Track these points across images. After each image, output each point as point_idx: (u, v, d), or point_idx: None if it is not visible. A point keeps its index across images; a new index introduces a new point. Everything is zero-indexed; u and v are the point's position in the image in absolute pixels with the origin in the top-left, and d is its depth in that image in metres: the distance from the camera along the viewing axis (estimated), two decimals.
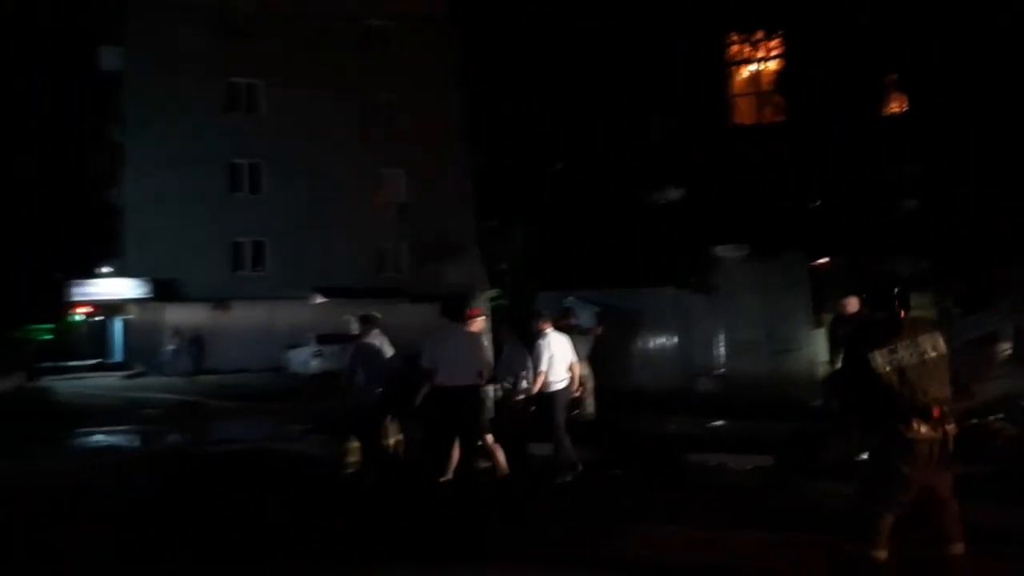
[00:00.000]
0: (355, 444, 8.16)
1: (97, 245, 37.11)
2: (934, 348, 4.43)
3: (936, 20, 14.45)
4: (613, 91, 22.44)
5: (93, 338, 33.23)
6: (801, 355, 12.40)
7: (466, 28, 30.59)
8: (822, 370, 10.74)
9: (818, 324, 11.95)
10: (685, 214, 20.92)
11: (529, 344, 8.27)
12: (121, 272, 29.57)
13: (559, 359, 8.07)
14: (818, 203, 16.54)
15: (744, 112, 20.52)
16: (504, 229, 31.00)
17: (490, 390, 8.23)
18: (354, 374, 8.00)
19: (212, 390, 19.69)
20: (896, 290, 4.55)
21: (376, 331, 8.19)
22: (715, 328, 13.81)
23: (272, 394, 16.11)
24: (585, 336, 11.45)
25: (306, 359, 23.12)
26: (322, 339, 22.38)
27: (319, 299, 26.84)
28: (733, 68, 21.36)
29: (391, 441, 8.14)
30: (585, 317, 12.61)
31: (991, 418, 8.41)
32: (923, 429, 4.28)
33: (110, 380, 24.60)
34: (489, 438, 7.79)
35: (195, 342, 25.42)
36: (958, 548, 4.37)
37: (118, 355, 32.61)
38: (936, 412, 4.30)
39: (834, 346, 8.61)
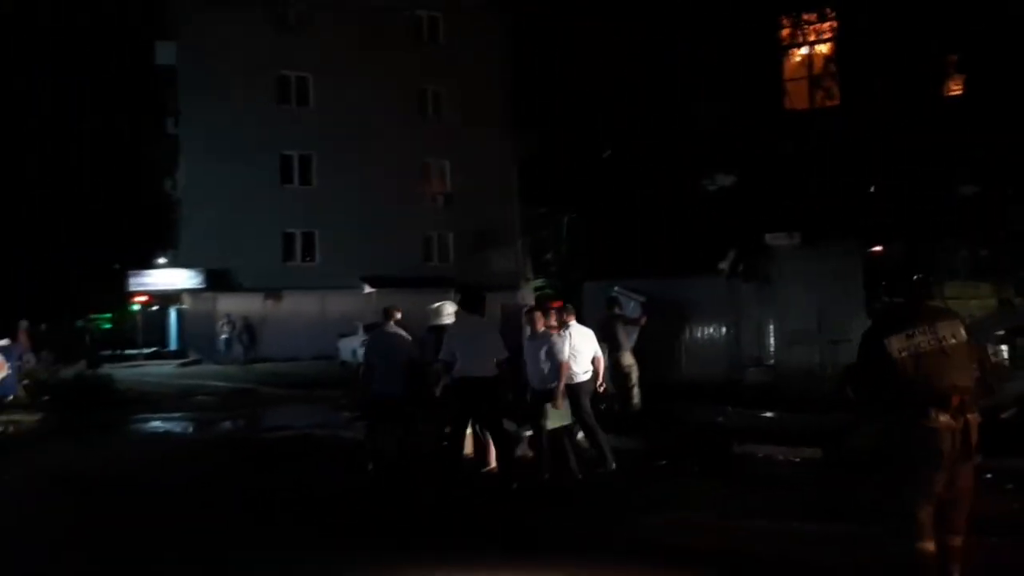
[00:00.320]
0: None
1: (154, 236, 38.19)
2: (954, 336, 4.30)
3: None
4: (662, 78, 22.14)
5: (150, 327, 34.23)
6: (854, 346, 12.07)
7: (514, 17, 30.50)
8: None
9: (872, 314, 11.65)
10: (735, 201, 20.57)
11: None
12: (176, 263, 30.34)
13: (582, 351, 8.04)
14: (872, 189, 16.09)
15: (796, 97, 20.03)
16: (550, 218, 30.93)
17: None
18: (371, 365, 8.07)
19: (264, 378, 20.11)
20: (915, 277, 4.50)
21: (392, 322, 8.26)
22: (765, 318, 13.55)
23: (322, 382, 16.37)
24: (630, 326, 11.38)
25: (355, 348, 23.44)
26: (369, 328, 22.63)
27: (368, 289, 27.15)
28: (785, 52, 20.88)
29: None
30: (631, 307, 12.48)
31: None
32: (942, 418, 4.16)
33: (166, 368, 25.33)
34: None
35: (247, 330, 25.95)
36: (956, 541, 4.28)
37: (174, 344, 33.54)
38: (955, 400, 4.17)
39: None
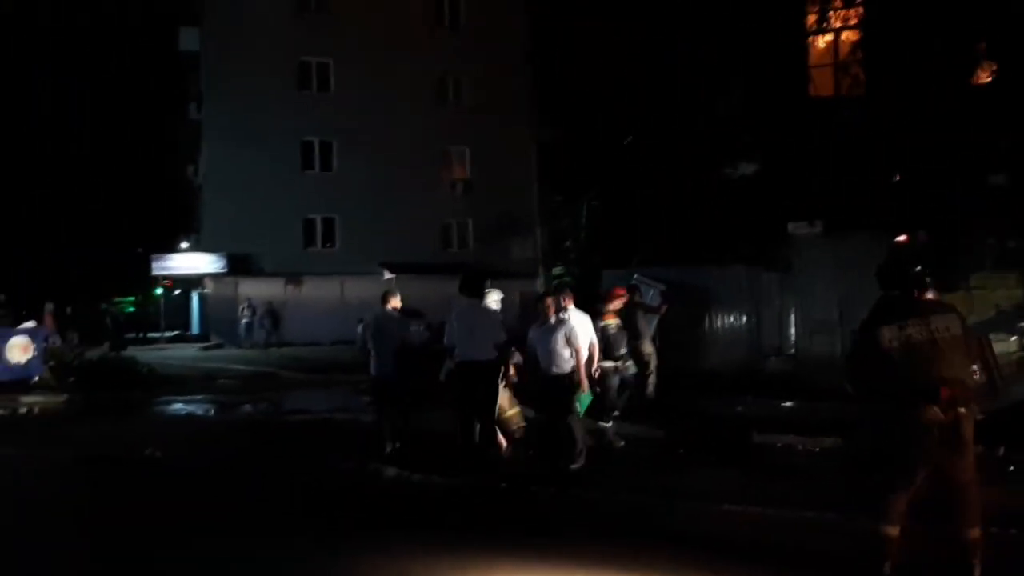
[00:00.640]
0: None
1: (177, 221, 38.58)
2: (948, 329, 4.29)
3: None
4: (686, 64, 21.93)
5: (173, 311, 34.62)
6: None
7: (535, 3, 30.32)
8: None
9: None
10: (758, 189, 20.39)
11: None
12: (198, 247, 30.61)
13: (581, 336, 7.99)
14: (898, 177, 15.87)
15: (821, 84, 19.79)
16: (569, 205, 30.82)
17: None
18: (368, 350, 8.37)
19: (285, 362, 20.27)
20: (911, 269, 4.48)
21: (389, 307, 8.47)
22: (787, 307, 13.44)
23: (342, 366, 16.45)
24: (650, 315, 11.33)
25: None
26: (403, 314, 22.67)
27: (387, 275, 27.24)
28: (811, 38, 20.60)
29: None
30: (651, 295, 12.43)
31: None
32: (929, 411, 4.16)
33: (189, 351, 25.61)
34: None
35: (270, 315, 26.14)
36: (974, 533, 4.26)
37: (196, 327, 33.89)
38: (945, 393, 4.15)
39: None
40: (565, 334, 7.56)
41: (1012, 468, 6.93)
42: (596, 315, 8.59)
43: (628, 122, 26.11)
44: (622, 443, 8.46)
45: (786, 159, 19.20)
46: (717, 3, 20.52)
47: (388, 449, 8.08)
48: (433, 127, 29.59)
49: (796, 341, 13.06)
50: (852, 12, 18.81)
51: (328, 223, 29.63)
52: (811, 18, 19.52)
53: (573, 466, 7.43)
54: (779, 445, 8.21)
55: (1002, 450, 7.23)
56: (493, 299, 8.22)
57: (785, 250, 13.94)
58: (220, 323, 28.29)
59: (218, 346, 26.79)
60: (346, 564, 4.98)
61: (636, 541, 5.33)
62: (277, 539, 5.59)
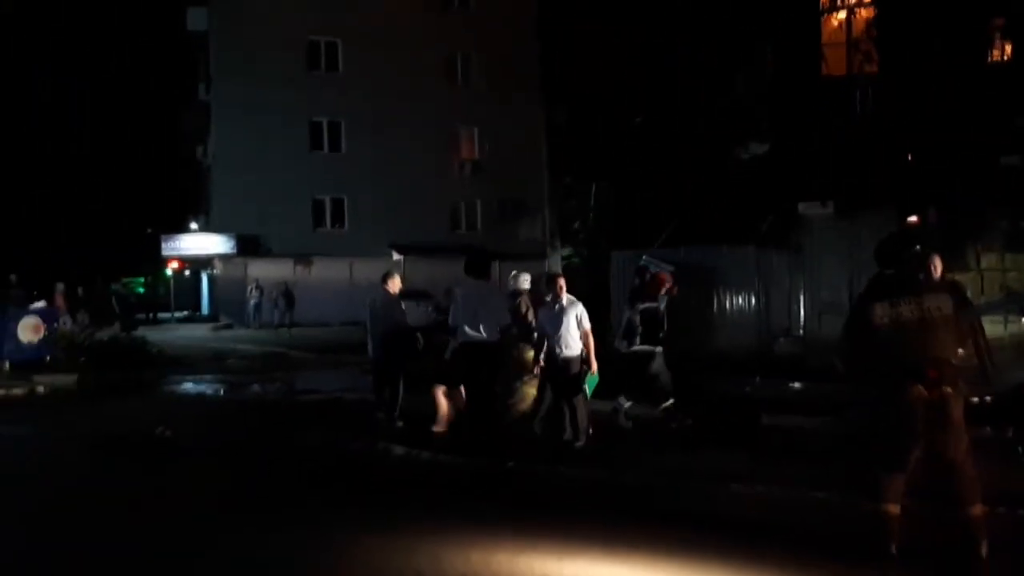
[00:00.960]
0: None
1: (187, 202, 38.68)
2: (939, 308, 4.31)
3: None
4: (697, 42, 21.71)
5: (183, 291, 34.76)
6: None
7: None
8: None
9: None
10: (769, 170, 20.23)
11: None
12: (208, 228, 30.69)
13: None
14: (910, 157, 15.72)
15: (834, 63, 19.55)
16: (578, 187, 30.72)
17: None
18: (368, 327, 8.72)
19: (294, 342, 20.35)
20: (908, 249, 4.50)
21: (387, 287, 8.68)
22: (796, 288, 13.37)
23: (351, 347, 16.49)
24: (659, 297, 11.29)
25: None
26: (407, 295, 22.71)
27: (395, 256, 27.27)
28: (824, 16, 20.34)
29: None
30: None
31: None
32: (915, 389, 4.19)
33: (199, 331, 25.75)
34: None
35: (285, 296, 26.18)
36: (976, 510, 4.29)
37: (206, 308, 34.03)
38: (931, 372, 4.18)
39: None
40: (576, 316, 7.58)
41: (1021, 449, 6.89)
42: (638, 299, 8.65)
43: (639, 102, 25.93)
44: (629, 424, 8.46)
45: (798, 139, 19.03)
46: None
47: (397, 422, 8.16)
48: (442, 108, 29.47)
49: (805, 322, 13.01)
50: None
51: (337, 204, 29.63)
52: None
53: (578, 444, 7.47)
54: (787, 426, 8.20)
55: (1011, 431, 7.20)
56: (523, 281, 8.34)
57: (795, 230, 13.85)
58: (229, 304, 28.42)
59: (228, 327, 26.92)
60: (353, 540, 5.02)
61: (643, 520, 5.35)
62: (289, 514, 5.64)
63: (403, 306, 9.02)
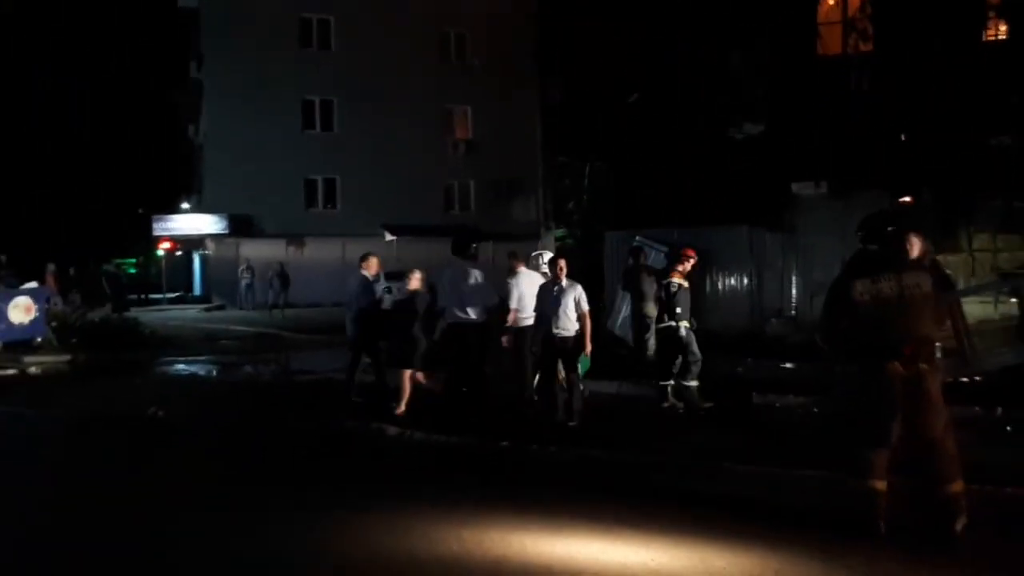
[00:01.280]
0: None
1: (178, 181, 38.43)
2: (918, 286, 4.39)
3: None
4: (692, 21, 21.56)
5: (175, 272, 34.63)
6: None
7: None
8: None
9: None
10: (763, 150, 20.19)
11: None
12: (200, 208, 30.51)
13: (529, 297, 8.15)
14: (903, 137, 15.70)
15: (829, 41, 19.44)
16: (572, 167, 30.61)
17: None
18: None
19: (287, 323, 20.32)
20: (890, 227, 4.56)
21: (363, 269, 8.95)
22: (789, 269, 13.39)
23: (343, 327, 16.47)
24: (654, 276, 11.31)
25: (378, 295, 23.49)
26: (390, 276, 22.63)
27: (388, 236, 27.18)
28: None
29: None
30: (654, 257, 12.39)
31: None
32: (892, 365, 4.26)
33: (191, 312, 25.68)
34: (408, 373, 8.10)
35: (280, 276, 26.05)
36: (955, 487, 4.36)
37: (198, 289, 33.91)
38: (908, 349, 4.26)
39: None
40: (575, 298, 7.61)
41: (1009, 428, 6.96)
42: (666, 274, 8.68)
43: (634, 82, 25.77)
44: (680, 406, 8.39)
45: (792, 119, 18.96)
46: None
47: (397, 410, 8.20)
48: (436, 86, 29.26)
49: (797, 303, 13.04)
50: None
51: (330, 184, 29.48)
52: None
53: (571, 423, 7.51)
54: (778, 405, 8.25)
55: (999, 410, 7.27)
56: (544, 261, 8.38)
57: (789, 211, 13.86)
58: (222, 284, 28.32)
59: (220, 307, 26.85)
60: (346, 519, 5.03)
61: (636, 499, 5.39)
62: (282, 493, 5.66)
63: (382, 288, 9.07)
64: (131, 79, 43.77)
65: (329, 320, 19.21)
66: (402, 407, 8.16)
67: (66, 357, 13.15)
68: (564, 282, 7.71)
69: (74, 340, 14.21)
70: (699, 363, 8.36)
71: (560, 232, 31.42)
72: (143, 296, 31.05)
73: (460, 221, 27.63)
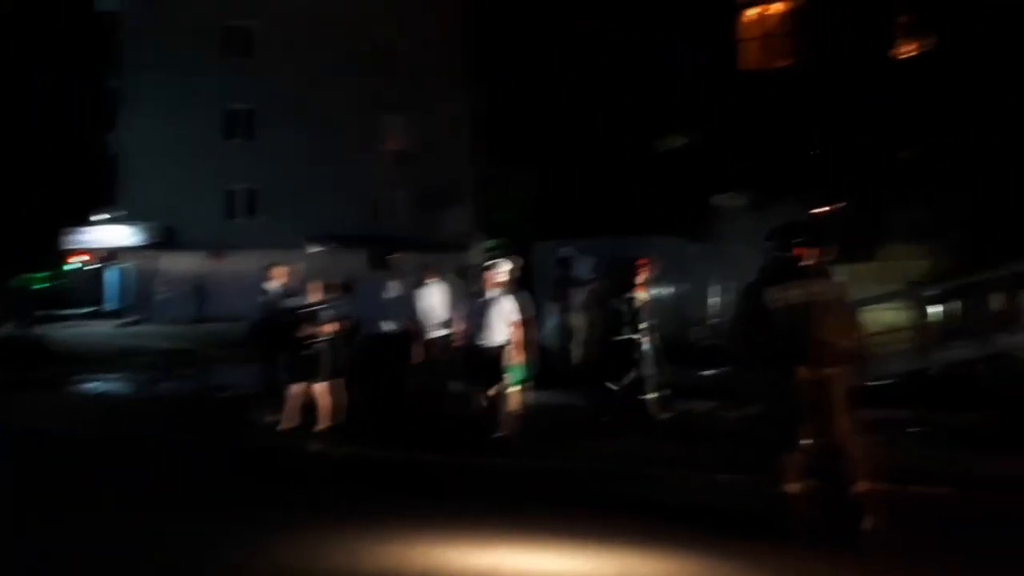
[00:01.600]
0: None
1: (94, 192, 36.89)
2: (824, 294, 4.56)
3: None
4: (621, 35, 21.92)
5: (89, 286, 33.22)
6: None
7: None
8: None
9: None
10: (687, 162, 20.64)
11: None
12: (117, 219, 29.39)
13: (437, 308, 8.17)
14: (818, 151, 16.28)
15: (748, 57, 20.05)
16: (503, 178, 30.71)
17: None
18: None
19: (205, 338, 19.67)
20: (798, 235, 4.73)
21: (268, 277, 8.86)
22: (712, 278, 13.65)
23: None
24: (580, 288, 11.40)
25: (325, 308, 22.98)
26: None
27: (314, 248, 26.68)
28: (741, 10, 20.79)
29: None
30: (583, 268, 12.47)
31: (980, 367, 8.38)
32: (802, 370, 4.41)
33: (105, 328, 24.64)
34: (320, 387, 7.87)
35: (197, 289, 25.29)
36: (861, 487, 4.49)
37: (114, 303, 32.57)
38: (816, 354, 4.41)
39: None
40: (503, 309, 7.55)
41: (913, 430, 7.21)
42: (627, 288, 8.62)
43: (563, 92, 26.07)
44: (667, 415, 8.35)
45: (714, 132, 19.44)
46: None
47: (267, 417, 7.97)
48: (363, 96, 28.94)
49: (719, 311, 13.30)
50: None
51: (252, 194, 28.81)
52: None
53: (499, 434, 7.43)
54: (700, 411, 8.37)
55: (906, 413, 7.55)
56: (503, 270, 8.15)
57: (712, 221, 14.17)
58: (138, 298, 27.30)
59: (135, 322, 25.84)
60: (265, 538, 4.83)
61: (563, 506, 5.39)
62: (197, 512, 5.42)
63: (295, 300, 8.80)
64: (44, 86, 41.89)
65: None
66: (285, 423, 7.85)
67: None
68: (492, 292, 7.66)
69: None
70: (654, 377, 8.42)
71: (491, 243, 31.43)
72: (54, 312, 29.62)
73: (388, 232, 27.36)
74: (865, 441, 4.63)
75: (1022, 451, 6.41)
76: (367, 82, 29.13)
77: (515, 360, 7.61)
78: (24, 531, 5.13)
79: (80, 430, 8.34)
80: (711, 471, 5.92)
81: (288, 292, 8.81)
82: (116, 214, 29.73)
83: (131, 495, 5.98)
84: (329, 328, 7.92)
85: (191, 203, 26.85)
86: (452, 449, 6.96)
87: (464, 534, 4.81)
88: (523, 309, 7.62)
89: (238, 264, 27.06)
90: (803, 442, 4.48)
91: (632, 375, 8.34)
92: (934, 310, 10.05)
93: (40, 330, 18.71)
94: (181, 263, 26.47)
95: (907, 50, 16.58)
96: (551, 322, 12.41)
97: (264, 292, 8.80)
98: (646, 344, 8.36)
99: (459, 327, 8.26)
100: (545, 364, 10.53)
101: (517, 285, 7.94)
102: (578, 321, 10.79)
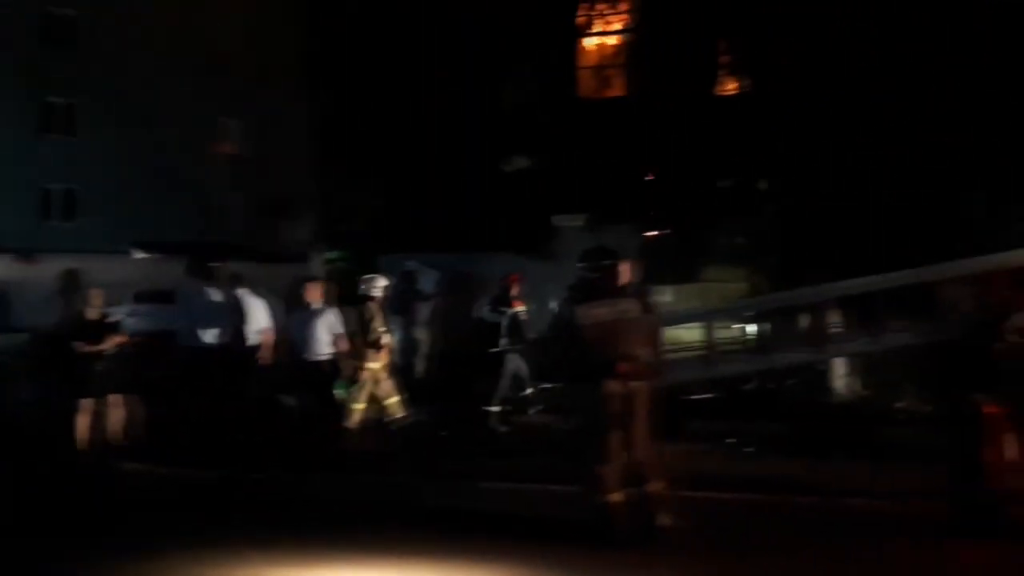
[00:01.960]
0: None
1: None
2: (629, 312, 4.94)
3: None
4: (471, 54, 22.25)
5: None
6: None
7: None
8: None
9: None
10: (530, 182, 21.24)
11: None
12: None
13: (254, 320, 8.13)
14: (650, 177, 17.30)
15: (587, 85, 20.97)
16: (348, 188, 30.22)
17: None
18: None
19: (9, 348, 17.87)
20: (606, 258, 5.16)
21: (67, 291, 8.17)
22: (550, 295, 14.12)
23: None
24: (423, 302, 11.47)
25: (121, 318, 21.46)
26: (140, 297, 20.82)
27: (140, 254, 24.99)
28: (581, 40, 21.70)
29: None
30: (427, 281, 12.53)
31: (789, 381, 9.21)
32: (611, 384, 4.75)
33: None
34: (112, 401, 7.60)
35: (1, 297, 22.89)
36: (655, 487, 4.84)
37: None
38: (622, 368, 4.76)
39: None
40: (327, 322, 7.49)
41: (731, 440, 7.81)
42: (504, 303, 8.59)
43: (410, 106, 26.08)
44: (504, 429, 8.37)
45: (555, 155, 20.15)
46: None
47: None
48: (198, 96, 27.46)
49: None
50: (618, 17, 20.08)
51: (70, 195, 26.57)
52: (581, 19, 20.56)
53: (336, 447, 7.35)
54: (535, 424, 8.63)
55: (724, 424, 8.17)
56: (378, 287, 7.87)
57: (552, 240, 14.69)
58: None
59: None
60: (70, 568, 4.49)
61: (396, 519, 5.39)
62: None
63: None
64: None
65: None
66: (79, 442, 7.38)
67: None
68: (316, 305, 7.62)
69: None
70: (505, 391, 8.55)
71: (334, 254, 30.77)
72: None
73: (224, 240, 26.10)
74: (661, 447, 4.97)
75: (818, 457, 7.08)
76: (204, 83, 27.69)
77: (343, 374, 7.62)
78: None
79: None
80: (543, 482, 6.11)
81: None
82: None
83: None
84: (116, 340, 7.45)
85: (0, 202, 24.41)
86: (284, 466, 6.77)
87: (292, 552, 4.69)
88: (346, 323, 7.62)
89: (53, 270, 24.82)
90: (614, 452, 4.78)
91: (502, 388, 8.53)
92: (749, 327, 10.93)
93: None
94: None
95: (730, 87, 18.01)
96: (395, 336, 12.37)
97: (64, 300, 8.12)
98: (515, 358, 8.56)
99: (270, 338, 8.08)
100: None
101: (338, 299, 7.91)
102: (422, 335, 10.83)
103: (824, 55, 14.13)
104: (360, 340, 7.59)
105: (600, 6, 20.09)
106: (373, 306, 7.83)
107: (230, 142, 29.25)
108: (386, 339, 7.80)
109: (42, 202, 26.16)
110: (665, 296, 13.92)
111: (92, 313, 7.58)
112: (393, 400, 8.00)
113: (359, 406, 7.60)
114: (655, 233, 15.20)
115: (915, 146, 12.89)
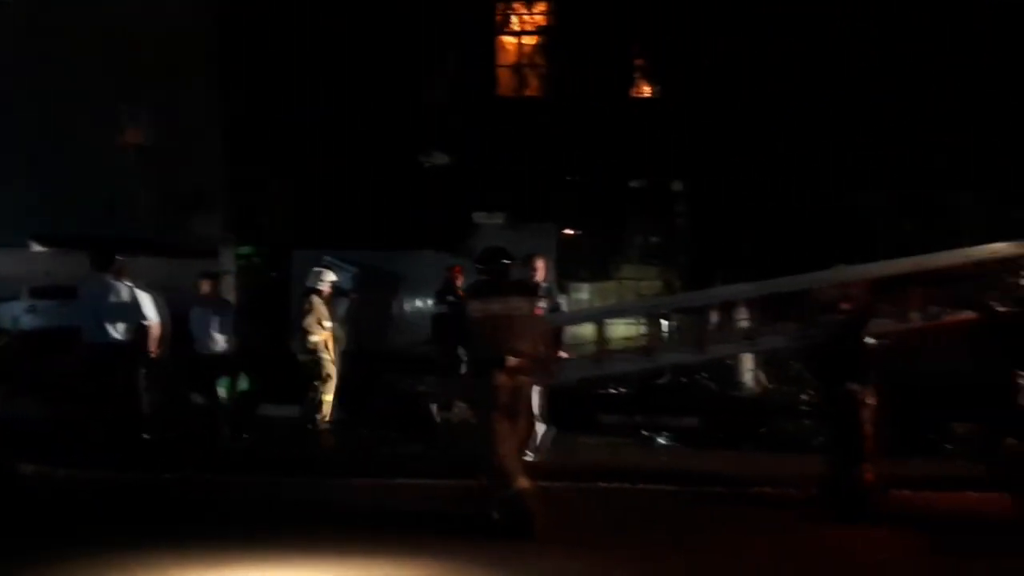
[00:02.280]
0: None
1: None
2: (519, 309, 5.16)
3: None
4: (390, 47, 21.93)
5: None
6: None
7: None
8: None
9: (562, 290, 12.74)
10: (449, 179, 21.15)
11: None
12: None
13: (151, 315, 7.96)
14: (569, 177, 17.49)
15: (506, 84, 21.02)
16: (261, 180, 29.40)
17: None
18: None
19: None
20: (501, 258, 5.39)
21: None
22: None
23: None
24: (340, 299, 11.31)
25: (17, 314, 20.38)
26: (36, 292, 19.83)
27: (37, 247, 23.74)
28: (499, 38, 21.74)
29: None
30: (343, 278, 12.37)
31: (700, 376, 9.54)
32: (500, 377, 4.95)
33: None
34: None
35: None
36: (522, 483, 5.01)
37: None
38: (511, 362, 4.96)
39: None
40: (221, 316, 7.45)
41: (645, 433, 8.05)
42: (451, 292, 8.50)
43: (326, 98, 25.53)
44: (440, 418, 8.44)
45: (474, 152, 20.14)
46: None
47: None
48: (103, 85, 26.16)
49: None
50: (534, 16, 20.19)
51: None
52: (499, 17, 20.58)
53: (232, 445, 7.27)
54: (456, 420, 8.67)
55: (638, 418, 8.41)
56: (325, 280, 7.80)
57: (471, 238, 14.71)
58: None
59: None
60: None
61: (307, 520, 5.35)
62: None
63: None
64: None
65: None
66: None
67: None
68: (214, 300, 7.57)
69: None
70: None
71: (246, 249, 29.91)
72: None
73: (130, 234, 25.01)
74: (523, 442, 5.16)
75: (727, 448, 7.38)
76: (108, 68, 26.46)
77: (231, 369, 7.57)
78: None
79: None
80: (460, 476, 6.15)
81: None
82: None
83: None
84: None
85: None
86: (186, 466, 6.61)
87: (194, 555, 4.59)
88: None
89: None
90: (506, 442, 4.90)
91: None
92: (662, 323, 11.24)
93: None
94: None
95: (645, 90, 18.40)
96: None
97: None
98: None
99: (156, 331, 7.84)
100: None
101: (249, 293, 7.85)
102: (338, 333, 10.69)
103: (742, 56, 14.61)
104: (303, 334, 7.71)
105: (516, 4, 20.16)
106: (316, 299, 8.01)
107: (136, 132, 28.04)
108: (326, 332, 7.89)
109: None
110: (581, 294, 14.16)
111: None
112: (328, 398, 7.99)
113: (327, 397, 7.69)
114: (572, 232, 15.41)
115: (824, 147, 13.52)
